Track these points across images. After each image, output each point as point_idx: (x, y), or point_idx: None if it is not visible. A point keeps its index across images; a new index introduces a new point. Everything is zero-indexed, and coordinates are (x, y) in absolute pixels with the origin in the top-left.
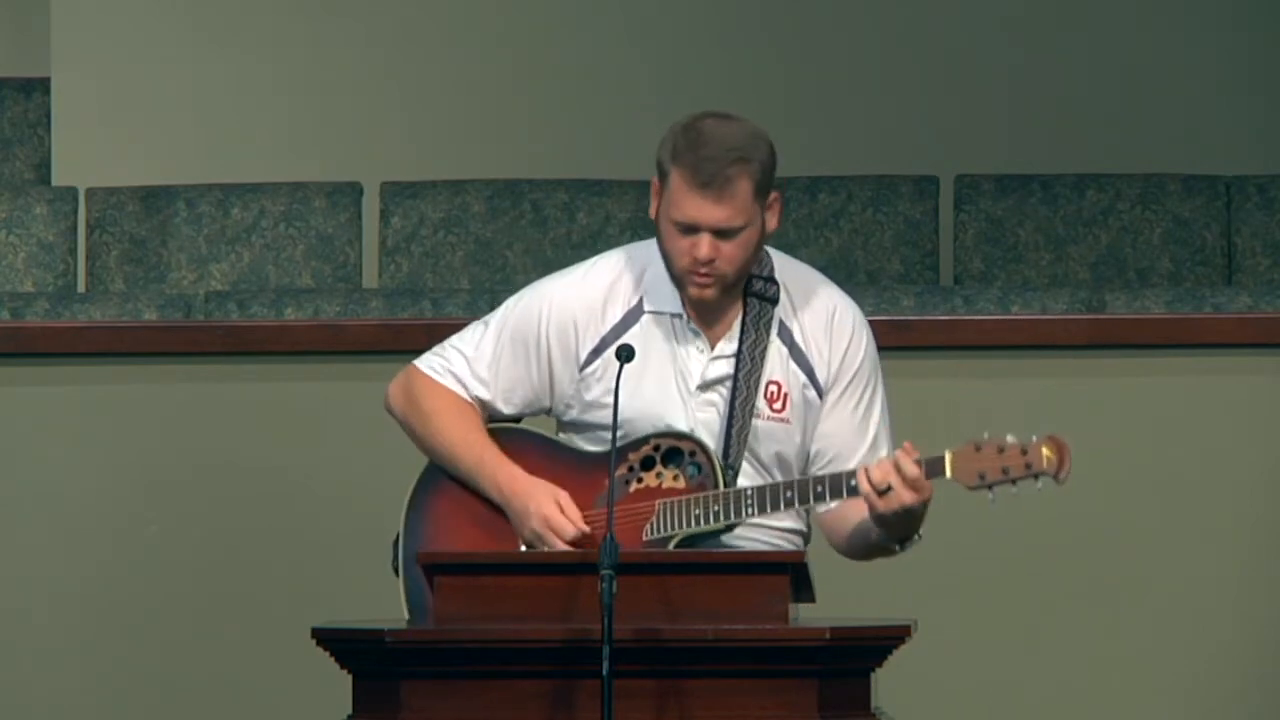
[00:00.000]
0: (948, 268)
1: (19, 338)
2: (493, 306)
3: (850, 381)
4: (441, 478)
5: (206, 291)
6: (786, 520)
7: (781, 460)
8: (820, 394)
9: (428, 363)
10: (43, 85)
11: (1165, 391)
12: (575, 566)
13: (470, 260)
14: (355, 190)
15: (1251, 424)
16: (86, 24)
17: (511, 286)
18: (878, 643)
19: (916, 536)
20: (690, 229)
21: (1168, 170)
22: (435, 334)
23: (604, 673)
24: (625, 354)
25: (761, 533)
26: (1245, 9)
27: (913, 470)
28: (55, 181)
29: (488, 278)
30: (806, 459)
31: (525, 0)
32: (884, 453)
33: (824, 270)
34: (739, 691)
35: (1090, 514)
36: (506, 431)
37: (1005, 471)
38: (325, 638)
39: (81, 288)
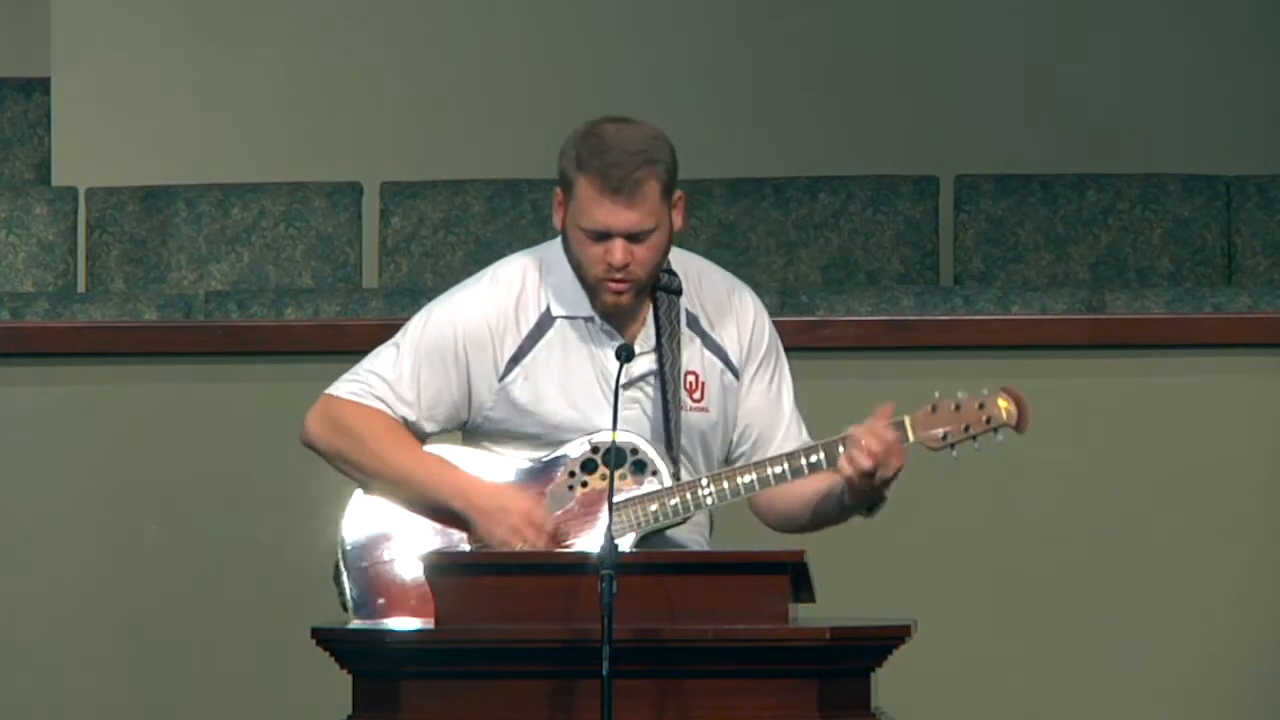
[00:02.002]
0: (948, 268)
1: (19, 338)
2: None
3: (762, 358)
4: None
5: (206, 291)
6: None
7: (705, 447)
8: (736, 375)
9: (347, 389)
10: (43, 85)
11: (1165, 391)
12: (575, 566)
13: (470, 260)
14: (355, 190)
15: (1251, 424)
16: (86, 24)
17: None
18: (878, 643)
19: (881, 502)
20: (602, 236)
21: (1168, 170)
22: None
23: (604, 673)
24: (625, 354)
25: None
26: (1245, 9)
27: (890, 435)
28: (55, 181)
29: None
30: (730, 443)
31: (525, 1)
32: (799, 425)
33: (824, 270)
34: (739, 691)
35: (1090, 514)
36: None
37: (966, 428)
38: (325, 638)
39: (81, 288)
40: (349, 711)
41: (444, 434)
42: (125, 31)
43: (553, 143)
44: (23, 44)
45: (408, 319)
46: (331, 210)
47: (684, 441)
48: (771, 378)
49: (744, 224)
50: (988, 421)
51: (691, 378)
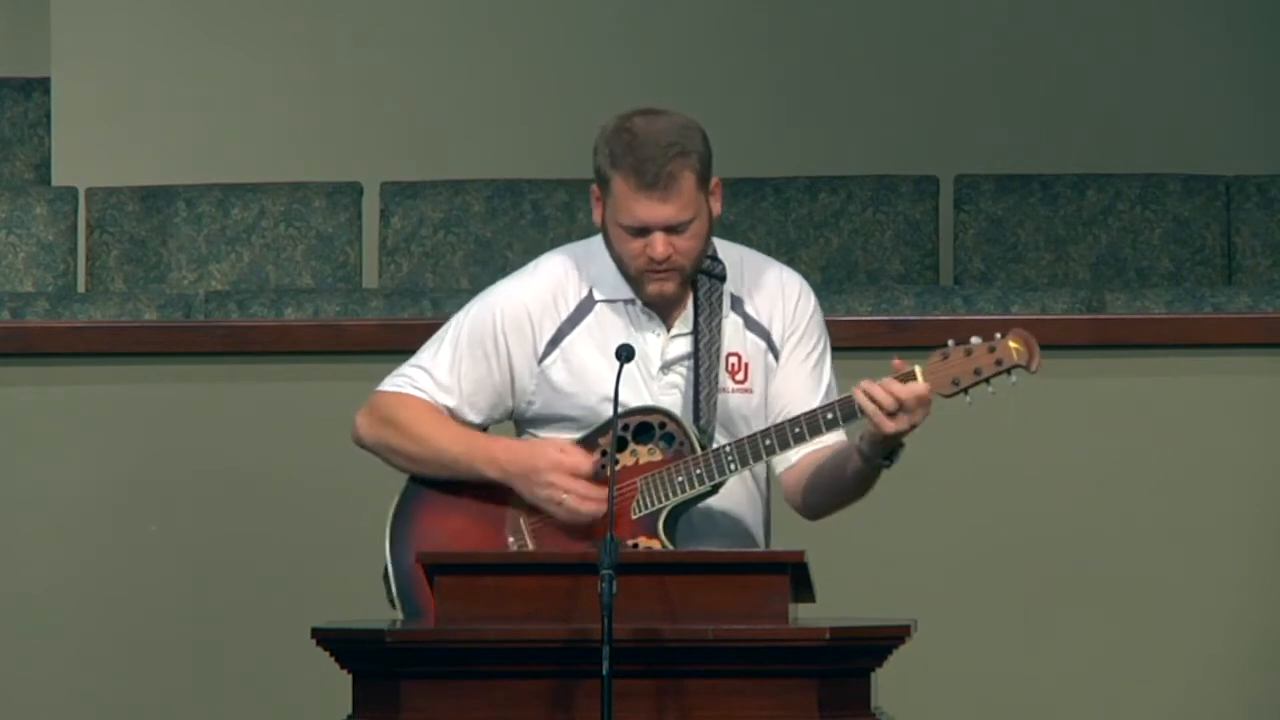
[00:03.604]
0: (948, 268)
1: (19, 338)
2: None
3: (801, 336)
4: (416, 494)
5: (206, 291)
6: (742, 505)
7: (749, 429)
8: (777, 356)
9: (390, 384)
10: (43, 85)
11: (1165, 391)
12: (575, 566)
13: (470, 260)
14: (355, 190)
15: (1251, 424)
16: (86, 24)
17: None
18: (878, 643)
19: (900, 449)
20: (642, 231)
21: (1168, 170)
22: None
23: (604, 673)
24: (626, 354)
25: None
26: (1245, 9)
27: (915, 386)
28: (55, 181)
29: (488, 278)
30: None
31: (524, 1)
32: None
33: (824, 270)
34: (739, 691)
35: (1090, 513)
36: None
37: (977, 372)
38: (325, 638)
39: (81, 288)
40: (349, 711)
41: (490, 424)
42: (125, 31)
43: (552, 143)
44: (23, 44)
45: (408, 319)
46: (331, 210)
47: (727, 423)
48: (810, 354)
49: (744, 224)
50: (998, 363)
51: (734, 359)
